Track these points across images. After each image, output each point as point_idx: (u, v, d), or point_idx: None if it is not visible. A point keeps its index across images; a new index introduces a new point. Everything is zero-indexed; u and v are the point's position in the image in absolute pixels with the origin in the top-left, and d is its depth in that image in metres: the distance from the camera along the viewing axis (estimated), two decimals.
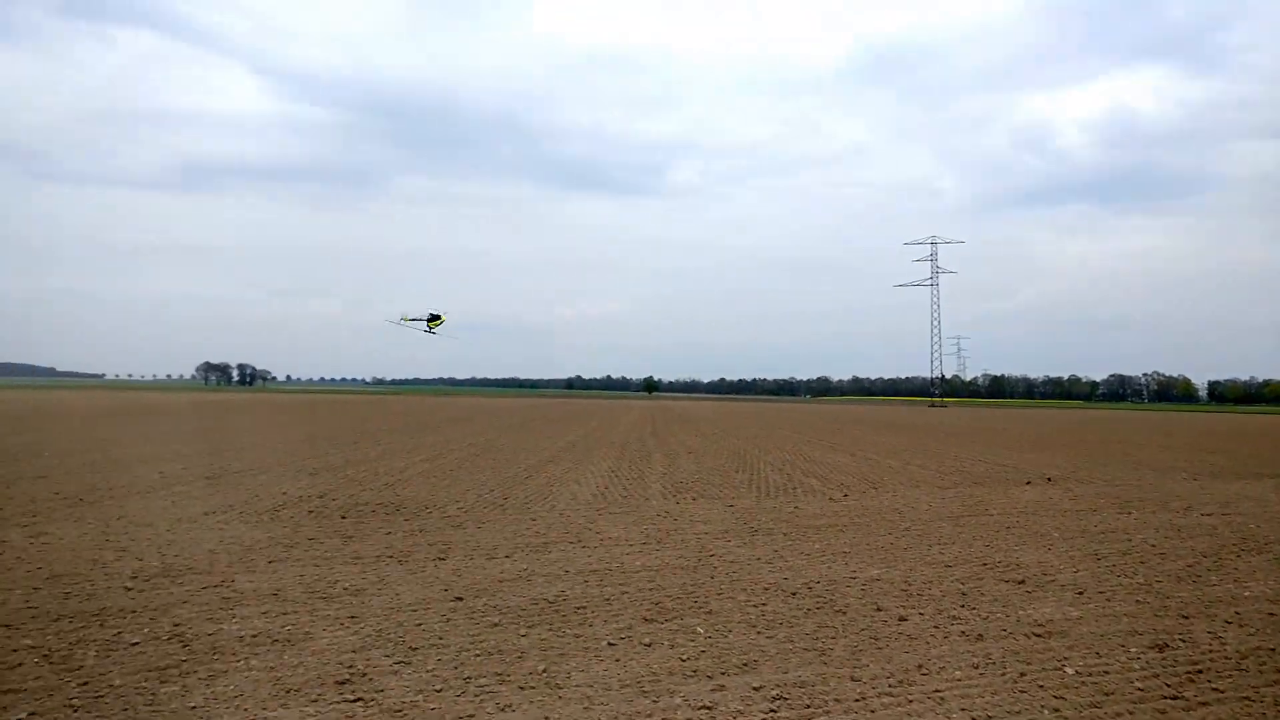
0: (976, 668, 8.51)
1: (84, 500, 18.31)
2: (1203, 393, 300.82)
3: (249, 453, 30.85)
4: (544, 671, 8.14)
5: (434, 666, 8.21)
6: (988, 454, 37.68)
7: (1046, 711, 7.41)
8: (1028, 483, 25.72)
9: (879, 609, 10.65)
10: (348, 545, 14.03)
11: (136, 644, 8.64)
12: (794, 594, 11.33)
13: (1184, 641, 9.53)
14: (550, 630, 9.48)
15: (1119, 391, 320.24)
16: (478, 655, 8.57)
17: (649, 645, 9.02)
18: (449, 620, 9.77)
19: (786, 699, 7.59)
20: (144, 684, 7.57)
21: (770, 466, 29.60)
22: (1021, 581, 12.32)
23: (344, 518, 16.75)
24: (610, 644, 9.03)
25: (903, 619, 10.22)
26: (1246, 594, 11.90)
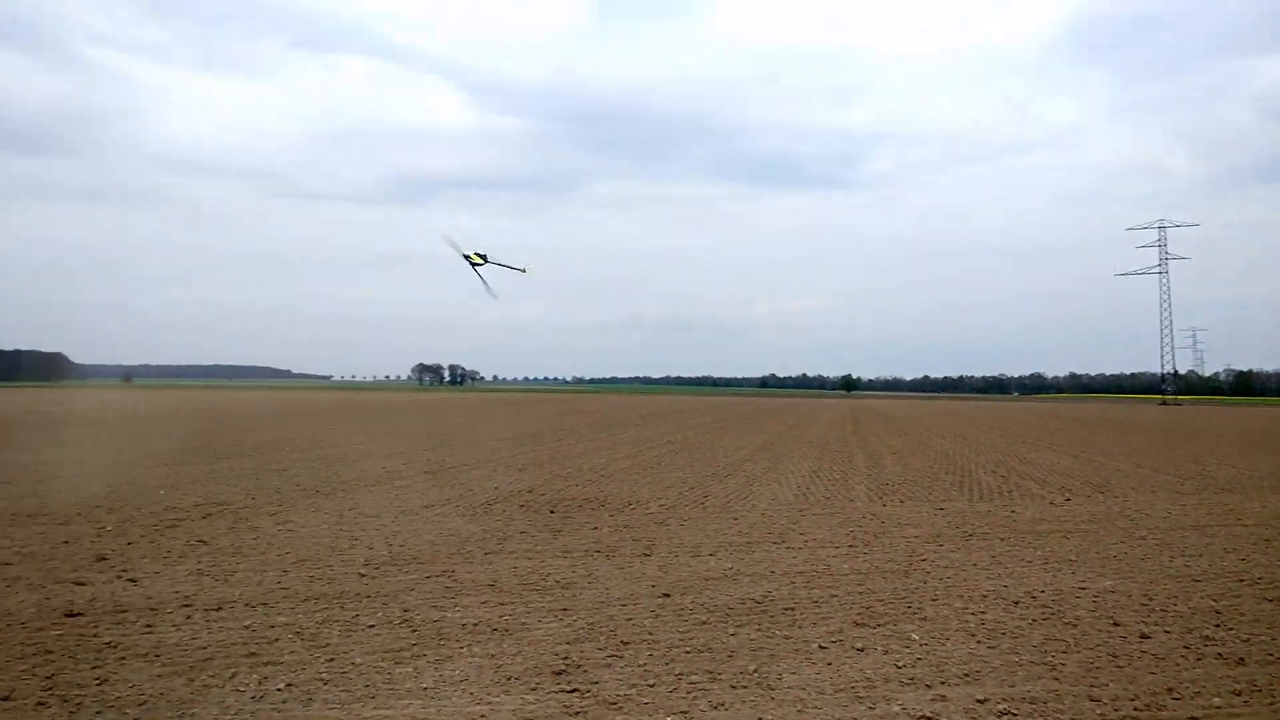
0: (1239, 694, 7.61)
1: (320, 492, 19.99)
2: None
3: (462, 449, 32.67)
4: (755, 671, 8.03)
5: (645, 661, 8.29)
6: (1235, 457, 34.00)
7: None
8: None
9: (1115, 624, 9.77)
10: (556, 539, 14.50)
11: (372, 626, 9.28)
12: (1016, 603, 10.62)
13: None
14: (759, 630, 9.35)
15: None
16: (688, 652, 8.59)
17: (861, 650, 8.71)
18: (658, 616, 9.85)
19: (1015, 715, 7.08)
20: (381, 664, 8.11)
21: (982, 468, 28.07)
22: None
23: (552, 512, 17.35)
24: (821, 647, 8.79)
25: (1144, 636, 9.32)
26: None
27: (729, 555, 13.36)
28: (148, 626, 9.17)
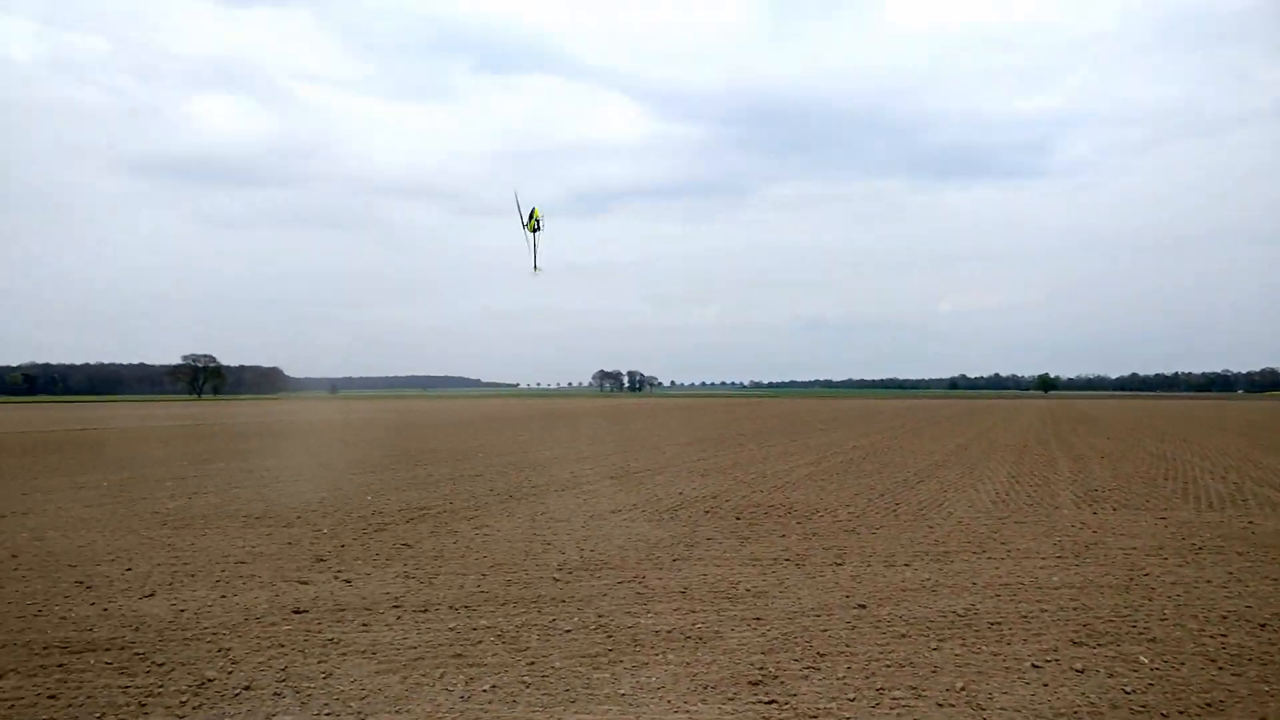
0: None
1: (513, 496, 20.75)
2: None
3: (645, 454, 33.10)
4: (962, 690, 7.59)
5: (844, 674, 8.01)
6: None
7: None
8: None
9: None
10: (744, 546, 14.35)
11: (569, 631, 9.48)
12: (1263, 626, 9.53)
13: None
14: (964, 646, 8.85)
15: None
16: (888, 666, 8.23)
17: (1081, 672, 8.05)
18: (854, 628, 9.53)
19: None
20: (579, 669, 8.26)
21: (1209, 473, 25.58)
22: None
23: (738, 518, 17.22)
24: (1035, 666, 8.20)
25: None
26: None
27: (925, 565, 12.78)
28: (364, 625, 9.77)
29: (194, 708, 7.31)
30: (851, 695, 7.48)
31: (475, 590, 11.42)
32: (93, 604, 10.77)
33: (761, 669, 8.17)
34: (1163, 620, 9.76)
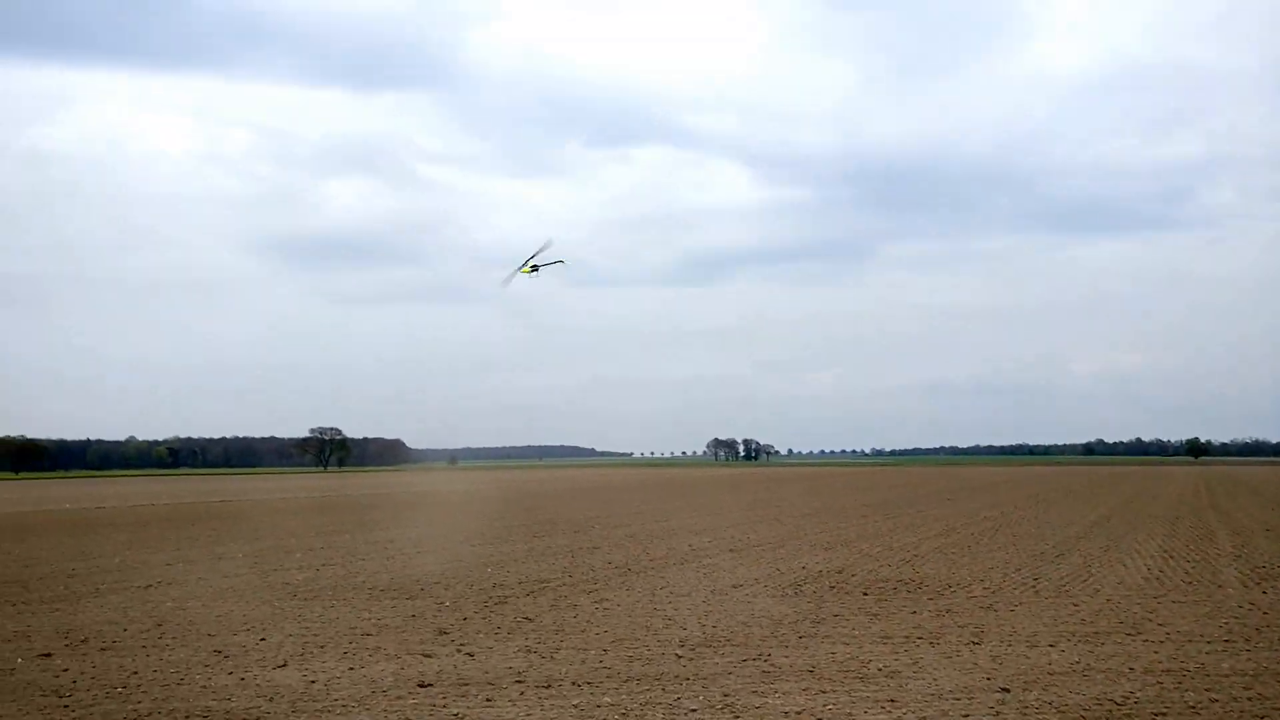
0: None
1: (631, 570, 20.54)
2: None
3: (764, 526, 32.42)
4: None
5: None
6: None
7: None
8: None
9: None
10: (874, 623, 13.72)
11: (694, 710, 9.17)
12: None
13: None
14: None
15: None
16: None
17: None
18: (998, 714, 8.87)
19: None
20: None
21: None
22: None
23: (866, 594, 16.53)
24: None
25: None
26: None
27: (1073, 647, 11.87)
28: (488, 700, 9.70)
29: None
30: None
31: (597, 665, 11.23)
32: (230, 673, 11.09)
33: None
34: None
